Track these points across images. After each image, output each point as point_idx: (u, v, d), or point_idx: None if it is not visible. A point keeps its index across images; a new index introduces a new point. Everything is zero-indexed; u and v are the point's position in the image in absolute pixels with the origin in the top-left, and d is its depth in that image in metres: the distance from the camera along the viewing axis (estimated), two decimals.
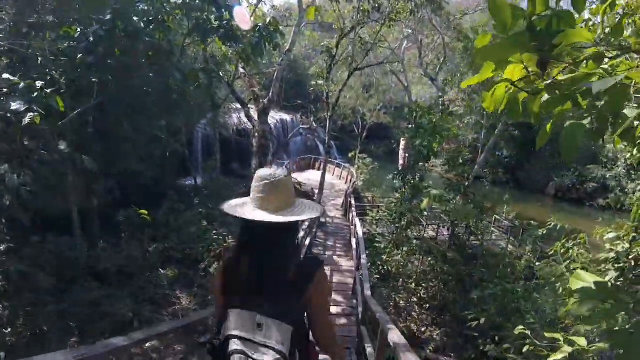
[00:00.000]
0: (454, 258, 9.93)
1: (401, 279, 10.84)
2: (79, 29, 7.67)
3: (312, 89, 16.42)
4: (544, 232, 10.83)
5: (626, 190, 33.75)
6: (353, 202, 16.40)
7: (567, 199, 35.53)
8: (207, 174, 20.03)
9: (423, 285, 11.28)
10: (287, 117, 39.79)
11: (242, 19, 10.22)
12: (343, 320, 8.01)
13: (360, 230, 10.00)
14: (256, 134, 15.95)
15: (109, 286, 10.60)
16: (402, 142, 22.61)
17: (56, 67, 8.13)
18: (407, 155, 22.39)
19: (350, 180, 25.20)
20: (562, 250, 9.08)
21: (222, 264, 2.04)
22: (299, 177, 25.43)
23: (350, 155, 30.81)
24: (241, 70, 18.44)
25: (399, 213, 10.36)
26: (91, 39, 6.99)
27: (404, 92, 41.07)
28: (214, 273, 2.56)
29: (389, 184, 25.86)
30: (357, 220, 11.39)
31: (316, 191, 19.11)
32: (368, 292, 6.33)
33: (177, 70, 6.24)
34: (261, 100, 16.23)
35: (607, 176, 34.71)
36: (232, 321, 1.79)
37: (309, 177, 26.14)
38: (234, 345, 1.74)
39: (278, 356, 1.68)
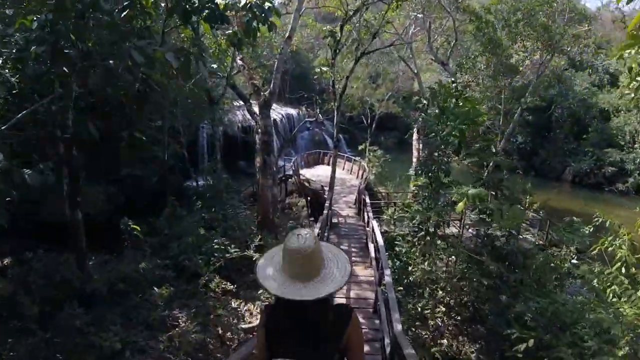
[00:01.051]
0: (487, 261, 8.33)
1: (427, 287, 9.35)
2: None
3: (316, 77, 14.78)
4: (590, 229, 9.27)
5: None
6: (367, 199, 14.92)
7: (585, 184, 34.09)
8: (210, 174, 18.52)
9: (450, 291, 9.83)
10: (293, 112, 38.42)
11: None
12: (365, 348, 6.58)
13: (379, 236, 8.58)
14: (259, 130, 14.55)
15: (98, 308, 9.30)
16: (415, 132, 21.03)
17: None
18: (420, 146, 20.83)
19: (362, 175, 23.62)
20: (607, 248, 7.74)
21: (264, 318, 2.27)
22: (307, 173, 23.91)
23: (360, 147, 29.25)
24: (239, 62, 17.06)
25: (426, 217, 8.78)
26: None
27: (412, 80, 39.90)
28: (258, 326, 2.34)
29: (403, 176, 24.38)
30: (374, 223, 9.96)
31: (326, 188, 17.62)
32: (399, 327, 4.89)
33: (138, 49, 4.84)
34: (262, 93, 14.84)
35: (626, 159, 33.03)
36: None
37: (318, 173, 24.61)
38: None
39: None
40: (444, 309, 9.58)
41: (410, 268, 9.31)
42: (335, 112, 14.65)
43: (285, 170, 26.32)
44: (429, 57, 24.77)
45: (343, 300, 7.72)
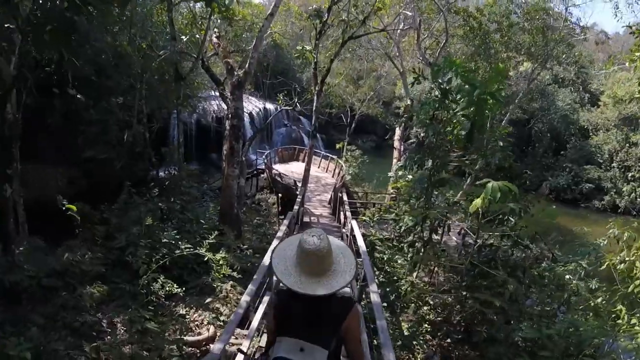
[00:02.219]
0: (501, 276, 6.63)
1: (412, 303, 7.67)
2: None
3: (298, 67, 13.08)
4: (603, 244, 7.81)
5: (622, 191, 32.08)
6: (345, 197, 13.22)
7: (562, 199, 33.36)
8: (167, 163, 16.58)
9: (435, 307, 8.24)
10: (271, 106, 36.63)
11: None
12: None
13: (361, 240, 6.74)
14: (229, 115, 12.78)
15: (19, 306, 7.54)
16: (397, 132, 19.50)
17: None
18: (402, 147, 19.31)
19: (339, 174, 21.81)
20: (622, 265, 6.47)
21: (276, 302, 2.54)
22: (280, 168, 22.05)
23: (337, 146, 27.59)
24: (214, 39, 15.28)
25: (420, 219, 6.99)
26: None
27: (394, 85, 38.58)
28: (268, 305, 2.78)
29: (381, 178, 22.85)
30: (354, 224, 8.14)
31: (299, 184, 15.87)
32: None
33: None
34: (236, 73, 13.07)
35: (603, 177, 32.75)
36: (281, 346, 2.35)
37: (292, 169, 22.75)
38: None
39: None
40: (428, 326, 7.96)
41: (402, 282, 7.59)
42: (316, 97, 13.01)
43: (257, 165, 24.50)
44: (417, 58, 23.34)
45: None
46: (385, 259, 8.34)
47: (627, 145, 32.92)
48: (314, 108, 13.06)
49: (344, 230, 10.34)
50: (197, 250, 8.24)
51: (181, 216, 11.43)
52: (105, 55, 15.03)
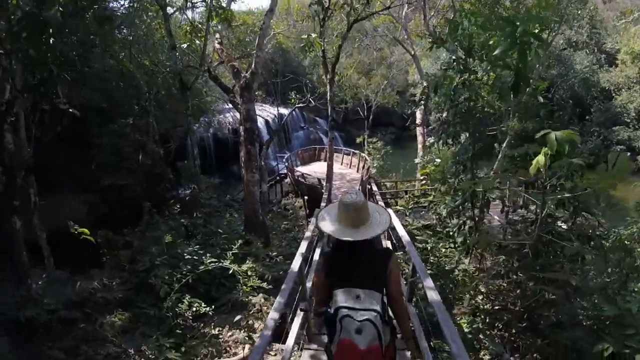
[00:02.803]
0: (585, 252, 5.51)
1: (467, 294, 6.63)
2: None
3: (303, 45, 12.16)
4: None
5: None
6: (375, 187, 12.25)
7: (593, 164, 31.22)
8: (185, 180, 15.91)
9: (488, 294, 7.20)
10: (285, 111, 35.89)
11: None
12: None
13: (401, 228, 5.60)
14: (242, 120, 12.06)
15: (35, 342, 6.85)
16: (418, 115, 18.41)
17: None
18: (425, 131, 18.22)
19: (364, 166, 20.66)
20: None
21: (324, 260, 2.92)
22: (302, 170, 21.18)
23: (358, 140, 26.59)
24: (217, 45, 14.60)
25: (469, 194, 5.88)
26: None
27: (405, 73, 37.39)
28: (317, 269, 3.23)
29: (407, 166, 21.79)
30: (391, 213, 6.93)
31: (324, 182, 14.98)
32: None
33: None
34: (243, 75, 12.33)
35: (633, 137, 31.07)
36: (339, 297, 2.64)
37: (315, 170, 21.81)
38: (343, 312, 2.58)
39: (375, 313, 2.56)
40: (485, 317, 6.94)
41: (448, 271, 6.55)
42: (329, 86, 12.14)
43: (279, 171, 23.73)
44: (427, 39, 22.22)
45: None
46: (429, 248, 7.36)
47: None
48: (328, 98, 12.20)
49: None
50: (220, 263, 7.38)
51: (204, 230, 10.65)
52: (108, 74, 14.47)
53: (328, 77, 12.13)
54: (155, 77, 14.44)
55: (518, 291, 6.92)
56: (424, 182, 16.38)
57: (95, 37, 13.52)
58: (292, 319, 4.70)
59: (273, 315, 3.21)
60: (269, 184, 22.34)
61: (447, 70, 7.15)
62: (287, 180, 22.31)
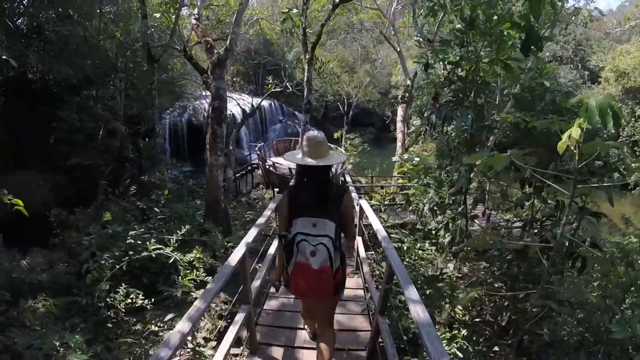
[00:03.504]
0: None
1: (447, 304, 5.62)
2: None
3: (283, 20, 10.98)
4: None
5: (632, 167, 29.97)
6: (348, 178, 11.22)
7: (571, 179, 30.93)
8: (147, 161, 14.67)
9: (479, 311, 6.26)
10: (264, 103, 34.73)
11: None
12: None
13: (376, 221, 4.44)
14: (211, 97, 10.95)
15: None
16: (400, 112, 17.46)
17: None
18: (406, 129, 17.30)
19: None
20: None
21: (288, 191, 3.19)
22: (275, 160, 20.03)
23: (336, 135, 25.54)
24: (193, 20, 13.40)
25: (465, 181, 4.83)
26: None
27: (388, 76, 36.59)
28: (281, 200, 3.31)
29: (384, 166, 20.85)
30: (364, 205, 5.66)
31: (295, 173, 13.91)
32: None
33: None
34: (216, 51, 11.18)
35: (611, 153, 30.35)
36: (298, 225, 2.96)
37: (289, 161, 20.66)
38: (300, 237, 2.91)
39: (327, 239, 2.88)
40: (463, 331, 5.94)
41: (434, 277, 5.49)
42: (306, 66, 11.10)
43: (251, 161, 22.55)
44: (414, 36, 21.37)
45: None
46: (404, 248, 6.34)
47: (633, 119, 30.81)
48: (305, 79, 11.14)
49: None
50: (161, 250, 6.25)
51: (158, 214, 9.45)
52: (81, 47, 13.12)
53: (307, 57, 11.09)
54: (125, 49, 13.11)
55: (506, 303, 5.99)
56: (400, 181, 15.48)
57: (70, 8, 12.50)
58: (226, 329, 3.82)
59: (182, 326, 2.13)
60: (240, 173, 21.17)
61: (445, 41, 6.14)
62: (259, 171, 21.13)
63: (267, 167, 18.36)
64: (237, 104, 20.79)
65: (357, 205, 5.82)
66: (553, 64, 33.39)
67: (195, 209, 11.65)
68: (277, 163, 17.88)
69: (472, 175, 5.27)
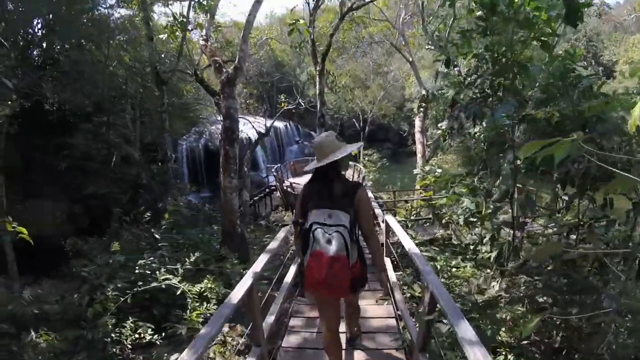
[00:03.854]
0: None
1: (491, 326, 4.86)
2: None
3: (290, 32, 10.43)
4: None
5: None
6: (370, 194, 10.57)
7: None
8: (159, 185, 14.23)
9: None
10: (280, 125, 34.42)
11: None
12: None
13: (406, 239, 3.94)
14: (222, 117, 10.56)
15: None
16: (417, 123, 16.79)
17: None
18: (426, 140, 16.62)
19: (359, 177, 18.71)
20: None
21: (303, 188, 3.24)
22: (293, 181, 19.45)
23: (353, 153, 24.80)
24: (201, 41, 13.10)
25: (511, 180, 4.10)
26: None
27: (401, 90, 35.99)
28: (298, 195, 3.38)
29: (405, 180, 20.11)
30: (391, 221, 4.99)
31: None
32: None
33: None
34: (224, 70, 10.78)
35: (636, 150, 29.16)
36: (313, 215, 2.95)
37: (306, 182, 20.05)
38: (315, 226, 2.90)
39: (343, 227, 2.84)
40: (511, 358, 5.17)
41: (485, 301, 4.73)
42: (318, 78, 10.56)
43: (268, 183, 22.03)
44: (424, 45, 20.83)
45: None
46: (438, 267, 5.58)
47: None
48: (317, 91, 10.61)
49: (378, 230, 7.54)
50: (169, 281, 5.68)
51: (170, 241, 8.92)
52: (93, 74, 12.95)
53: (317, 68, 10.58)
54: (134, 74, 12.84)
55: (557, 320, 5.22)
56: (423, 194, 14.74)
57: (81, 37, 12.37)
58: None
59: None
60: (258, 196, 20.64)
61: (465, 31, 5.53)
62: (277, 193, 20.58)
63: (285, 187, 17.81)
64: (252, 126, 20.38)
65: (383, 222, 5.17)
66: (580, 49, 32.48)
67: (211, 234, 11.15)
68: (294, 183, 17.31)
69: (518, 176, 4.57)
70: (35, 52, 13.56)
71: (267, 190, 21.01)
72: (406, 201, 12.95)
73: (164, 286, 6.00)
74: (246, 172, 12.83)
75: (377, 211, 6.55)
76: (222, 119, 10.45)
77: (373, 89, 29.57)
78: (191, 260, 6.10)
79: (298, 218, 3.16)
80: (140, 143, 13.79)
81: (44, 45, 13.10)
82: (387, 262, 5.28)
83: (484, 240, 4.80)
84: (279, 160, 31.05)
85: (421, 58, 25.78)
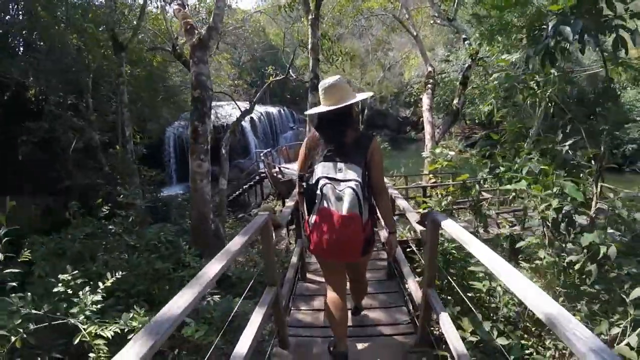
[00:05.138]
0: None
1: None
2: None
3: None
4: None
5: None
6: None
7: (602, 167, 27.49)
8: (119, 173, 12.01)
9: None
10: (273, 110, 32.10)
11: None
12: None
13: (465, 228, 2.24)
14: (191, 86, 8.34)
15: None
16: (425, 100, 14.44)
17: None
18: (433, 118, 14.30)
19: None
20: None
21: (309, 138, 2.72)
22: (284, 167, 17.15)
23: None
24: (175, 5, 10.84)
25: None
26: None
27: (400, 75, 33.64)
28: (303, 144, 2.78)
29: (410, 165, 17.80)
30: (453, 226, 2.40)
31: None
32: None
33: None
34: (196, 31, 8.62)
35: None
36: (320, 169, 2.50)
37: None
38: (323, 181, 2.45)
39: (356, 182, 2.40)
40: None
41: None
42: (311, 29, 8.25)
43: (258, 169, 19.67)
44: (430, 19, 18.51)
45: None
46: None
47: None
48: (309, 46, 8.32)
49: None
50: (66, 319, 3.44)
51: (117, 242, 6.72)
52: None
53: (310, 17, 8.30)
54: (92, 39, 10.49)
55: None
56: (434, 180, 12.51)
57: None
58: None
59: None
60: (248, 184, 18.40)
61: None
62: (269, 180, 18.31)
63: (274, 174, 15.57)
64: (236, 105, 17.97)
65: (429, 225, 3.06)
66: (573, 47, 30.34)
67: (183, 232, 8.93)
68: (284, 168, 15.07)
69: None
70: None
71: (257, 177, 18.69)
72: (432, 187, 10.59)
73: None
74: (225, 155, 10.58)
75: (402, 202, 4.43)
76: (192, 89, 8.19)
77: (372, 71, 27.12)
78: (108, 282, 3.83)
79: (301, 171, 2.77)
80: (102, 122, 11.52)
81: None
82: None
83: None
84: (272, 146, 28.83)
85: (424, 37, 23.38)
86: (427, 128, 13.72)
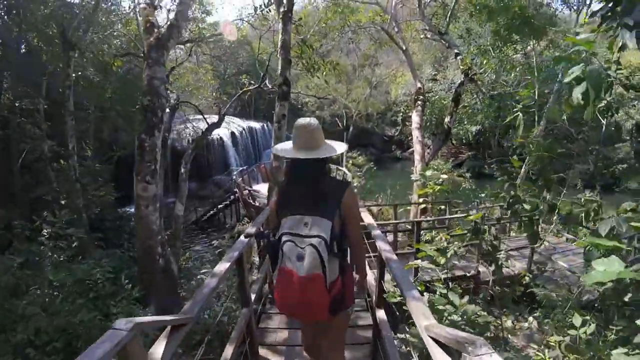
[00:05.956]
0: None
1: None
2: None
3: None
4: None
5: None
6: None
7: (591, 187, 26.79)
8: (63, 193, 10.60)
9: None
10: (256, 125, 30.76)
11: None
12: None
13: None
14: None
15: None
16: (415, 118, 13.17)
17: None
18: (423, 138, 13.02)
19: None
20: None
21: (279, 188, 2.50)
22: (262, 189, 15.45)
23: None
24: (142, 4, 9.53)
25: None
26: None
27: (386, 94, 32.72)
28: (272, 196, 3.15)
29: (397, 188, 16.42)
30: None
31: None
32: None
33: None
34: (156, 30, 7.31)
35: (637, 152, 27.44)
36: (286, 224, 2.21)
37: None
38: (286, 237, 2.18)
39: (319, 239, 2.10)
40: None
41: None
42: (281, 24, 6.88)
43: (234, 189, 18.10)
44: (419, 32, 17.52)
45: None
46: None
47: None
48: (279, 42, 6.94)
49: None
50: None
51: (37, 281, 5.33)
52: None
53: (281, 10, 6.97)
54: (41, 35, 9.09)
55: None
56: (424, 205, 11.18)
57: None
58: None
59: None
60: (223, 204, 16.93)
61: None
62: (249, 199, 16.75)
63: (245, 197, 14.06)
64: (205, 120, 16.45)
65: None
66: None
67: (130, 262, 7.49)
68: (253, 191, 13.62)
69: None
70: None
71: (232, 197, 17.14)
72: (445, 221, 8.85)
73: None
74: (183, 176, 9.18)
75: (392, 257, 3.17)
76: (142, 95, 6.81)
77: (358, 87, 25.90)
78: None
79: (271, 226, 2.45)
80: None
81: None
82: None
83: None
84: (254, 164, 27.38)
85: (412, 54, 22.40)
86: (417, 148, 12.39)
